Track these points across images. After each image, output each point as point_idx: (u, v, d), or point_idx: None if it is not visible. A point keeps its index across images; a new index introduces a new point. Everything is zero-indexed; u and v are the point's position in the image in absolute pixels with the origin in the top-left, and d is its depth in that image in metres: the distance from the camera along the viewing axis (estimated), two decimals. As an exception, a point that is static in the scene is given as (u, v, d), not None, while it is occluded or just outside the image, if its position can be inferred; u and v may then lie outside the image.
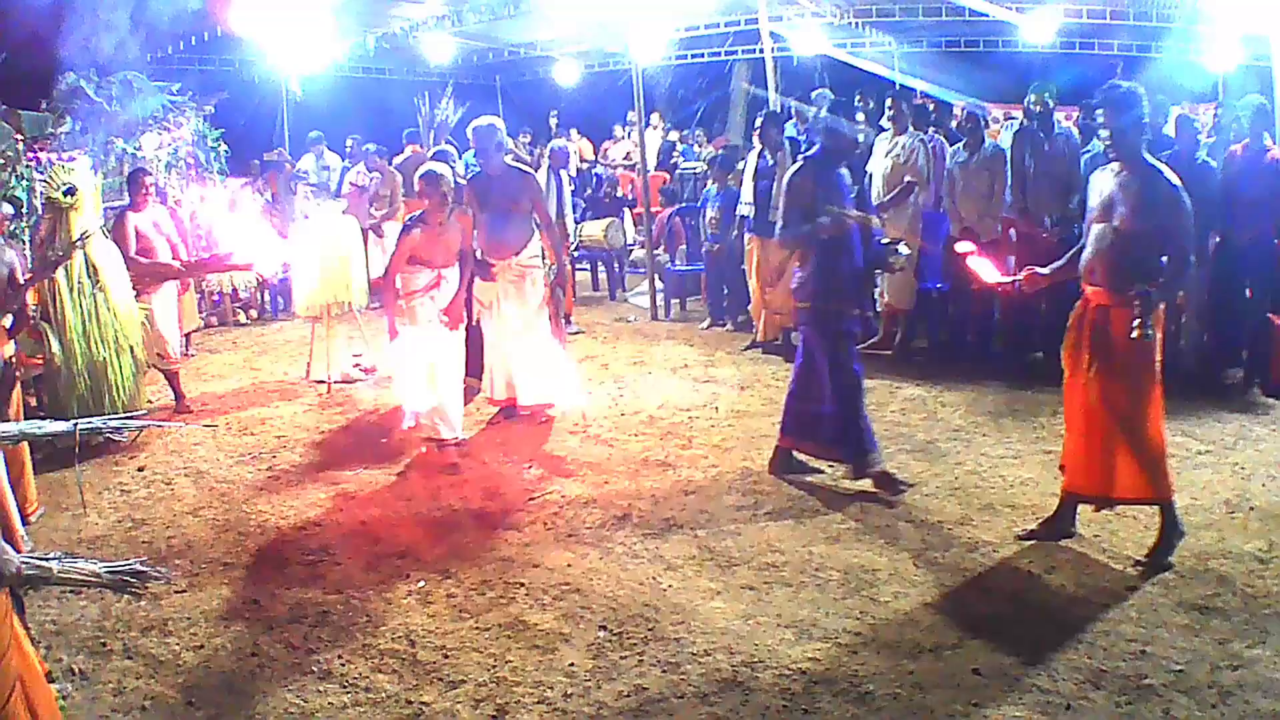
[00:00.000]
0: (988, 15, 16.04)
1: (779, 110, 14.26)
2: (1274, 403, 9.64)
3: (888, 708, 4.86)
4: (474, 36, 18.24)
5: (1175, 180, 6.35)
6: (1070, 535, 6.71)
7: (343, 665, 5.17)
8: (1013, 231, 11.43)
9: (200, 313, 13.25)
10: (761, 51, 15.98)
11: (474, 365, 9.62)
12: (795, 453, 8.12)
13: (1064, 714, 4.85)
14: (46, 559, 3.99)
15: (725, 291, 13.31)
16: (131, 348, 8.83)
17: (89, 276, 8.57)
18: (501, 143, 9.30)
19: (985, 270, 7.28)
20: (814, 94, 15.25)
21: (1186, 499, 7.08)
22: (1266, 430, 8.72)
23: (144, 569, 4.15)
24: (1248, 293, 10.60)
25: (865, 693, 4.97)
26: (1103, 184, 6.59)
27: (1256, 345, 10.53)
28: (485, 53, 19.85)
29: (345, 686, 5.01)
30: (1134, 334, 6.18)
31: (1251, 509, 7.19)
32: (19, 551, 4.17)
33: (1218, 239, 10.12)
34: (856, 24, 18.00)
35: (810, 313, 7.85)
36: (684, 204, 15.47)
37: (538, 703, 4.85)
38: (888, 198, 11.58)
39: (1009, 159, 11.45)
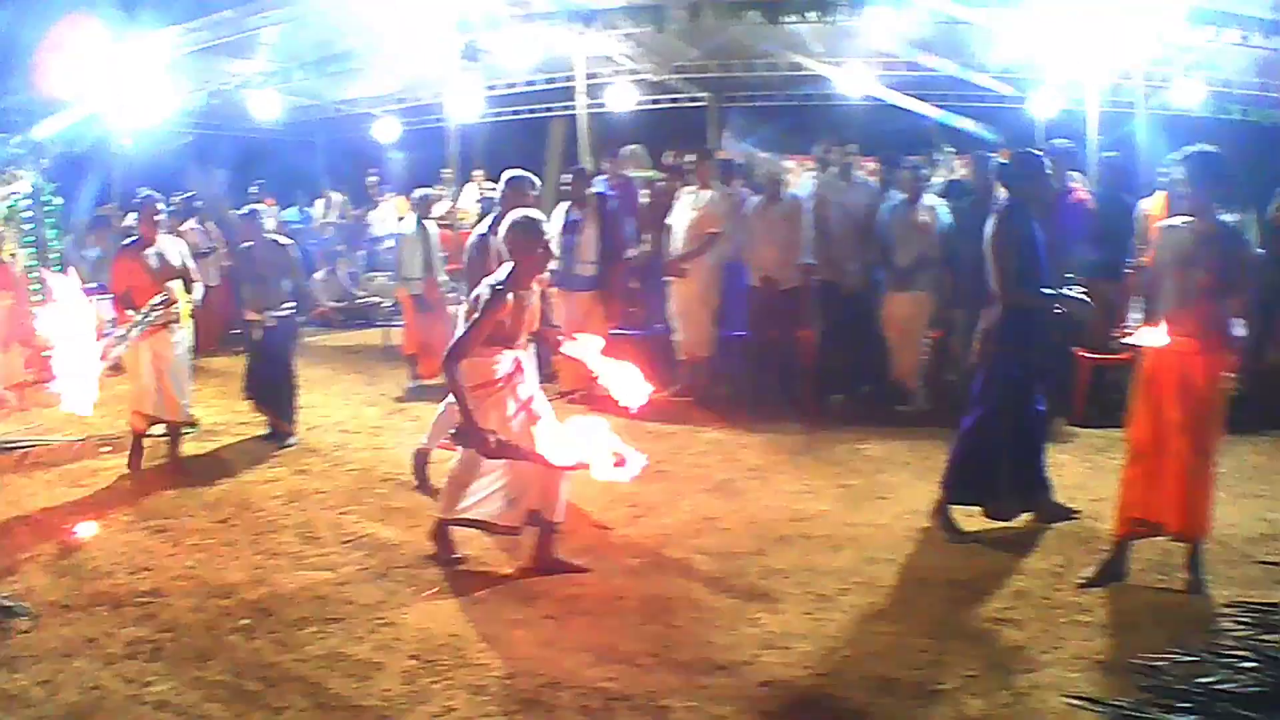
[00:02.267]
0: (802, 69, 16.76)
1: (588, 167, 14.66)
2: (1078, 431, 10.39)
3: (683, 719, 5.25)
4: (299, 93, 18.32)
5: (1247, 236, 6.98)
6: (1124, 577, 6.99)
7: (177, 696, 5.46)
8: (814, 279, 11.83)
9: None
10: (577, 108, 16.34)
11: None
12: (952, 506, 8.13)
13: (851, 718, 5.33)
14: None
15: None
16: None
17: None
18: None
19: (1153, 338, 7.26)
20: (622, 150, 15.75)
21: (982, 522, 7.78)
22: (1066, 457, 9.46)
23: (9, 604, 4.55)
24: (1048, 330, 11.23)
25: (661, 707, 5.36)
26: (1179, 238, 6.92)
27: (1060, 379, 11.17)
28: (309, 109, 19.96)
29: (179, 715, 5.29)
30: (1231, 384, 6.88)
31: (1047, 529, 7.83)
32: None
33: None
34: (672, 80, 18.50)
35: (997, 356, 7.94)
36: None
37: None
38: (689, 250, 12.01)
39: (809, 209, 11.82)
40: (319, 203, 20.66)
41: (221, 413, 11.46)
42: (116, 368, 9.29)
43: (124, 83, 14.13)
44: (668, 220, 12.62)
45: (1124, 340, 7.45)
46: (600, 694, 5.49)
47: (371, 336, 17.38)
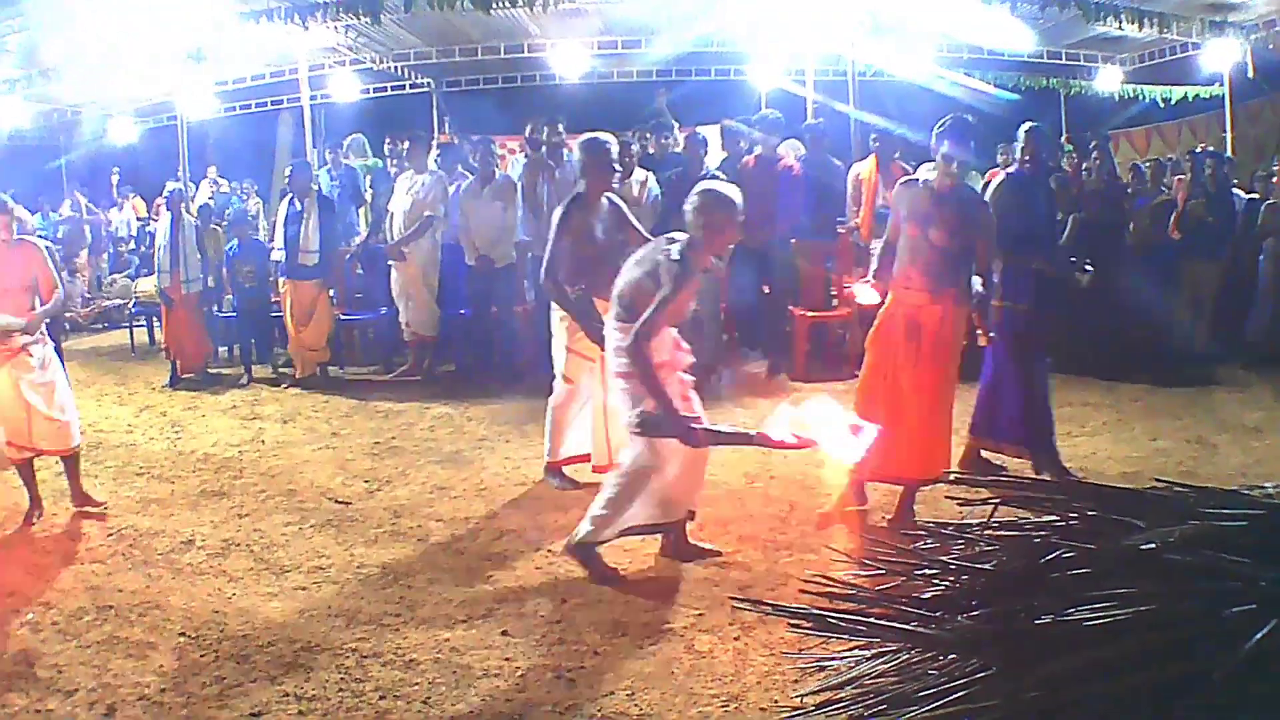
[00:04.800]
0: (522, 51, 17.35)
1: (311, 159, 15.12)
2: (801, 386, 11.06)
3: (430, 670, 5.70)
4: (41, 99, 18.35)
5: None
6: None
7: None
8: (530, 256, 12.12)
9: None
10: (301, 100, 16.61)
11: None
12: (983, 451, 8.84)
13: (590, 659, 5.77)
14: None
15: (253, 342, 13.99)
16: None
17: None
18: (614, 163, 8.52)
19: (867, 294, 7.88)
20: (346, 140, 16.17)
21: (710, 471, 7.67)
22: None
23: None
24: (765, 290, 11.80)
25: (410, 660, 5.81)
26: (914, 196, 7.53)
27: (777, 338, 11.91)
28: (50, 114, 19.86)
29: None
30: (979, 332, 7.58)
31: (772, 479, 8.58)
32: None
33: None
34: (396, 68, 18.84)
35: (1002, 312, 8.52)
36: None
37: (139, 699, 5.53)
38: (408, 233, 12.51)
39: (520, 188, 12.23)
40: (65, 205, 20.55)
41: None
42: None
43: None
44: (388, 206, 13.17)
45: (846, 296, 8.05)
46: (354, 653, 5.94)
47: (118, 337, 17.26)
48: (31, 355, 8.32)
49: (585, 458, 8.72)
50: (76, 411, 8.81)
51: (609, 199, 8.41)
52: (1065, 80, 19.33)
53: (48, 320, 8.55)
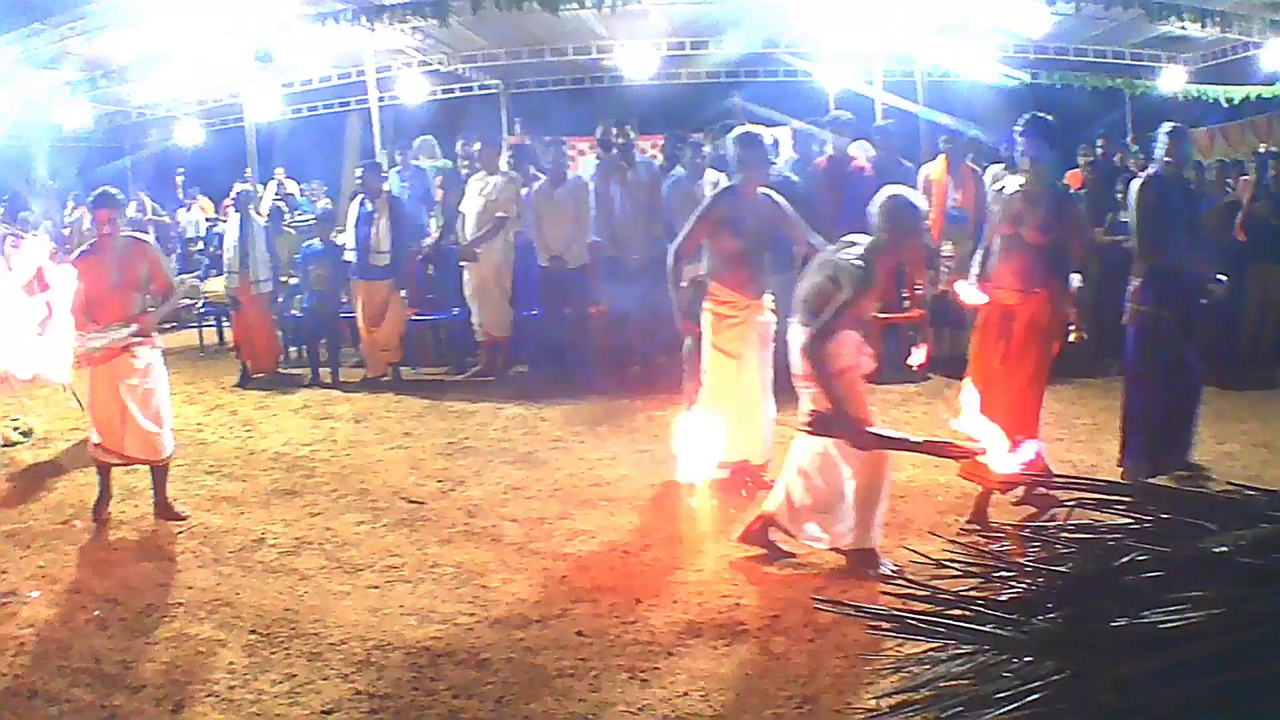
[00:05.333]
0: (589, 53, 17.23)
1: (382, 160, 15.02)
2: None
3: (503, 669, 5.66)
4: (105, 100, 18.35)
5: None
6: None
7: (44, 684, 5.72)
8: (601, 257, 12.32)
9: None
10: (369, 102, 16.61)
11: None
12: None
13: (664, 660, 5.71)
14: None
15: (324, 343, 13.88)
16: None
17: None
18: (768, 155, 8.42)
19: (971, 295, 7.75)
20: (415, 141, 16.20)
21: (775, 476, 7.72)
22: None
23: None
24: None
25: (483, 660, 5.77)
26: (1011, 200, 7.49)
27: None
28: (114, 115, 19.87)
29: (49, 701, 5.55)
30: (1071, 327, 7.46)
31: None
32: None
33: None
34: (463, 69, 18.83)
35: (1144, 317, 8.22)
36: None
37: (207, 696, 5.52)
38: (480, 234, 12.42)
39: (592, 189, 12.26)
40: (130, 206, 20.63)
41: (51, 419, 11.46)
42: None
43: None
44: (460, 207, 13.05)
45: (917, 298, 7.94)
46: (427, 652, 5.90)
47: (186, 337, 17.19)
48: (136, 357, 8.12)
49: (745, 464, 8.45)
50: (172, 421, 8.60)
51: (766, 194, 8.16)
52: (1130, 80, 19.05)
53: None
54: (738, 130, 8.49)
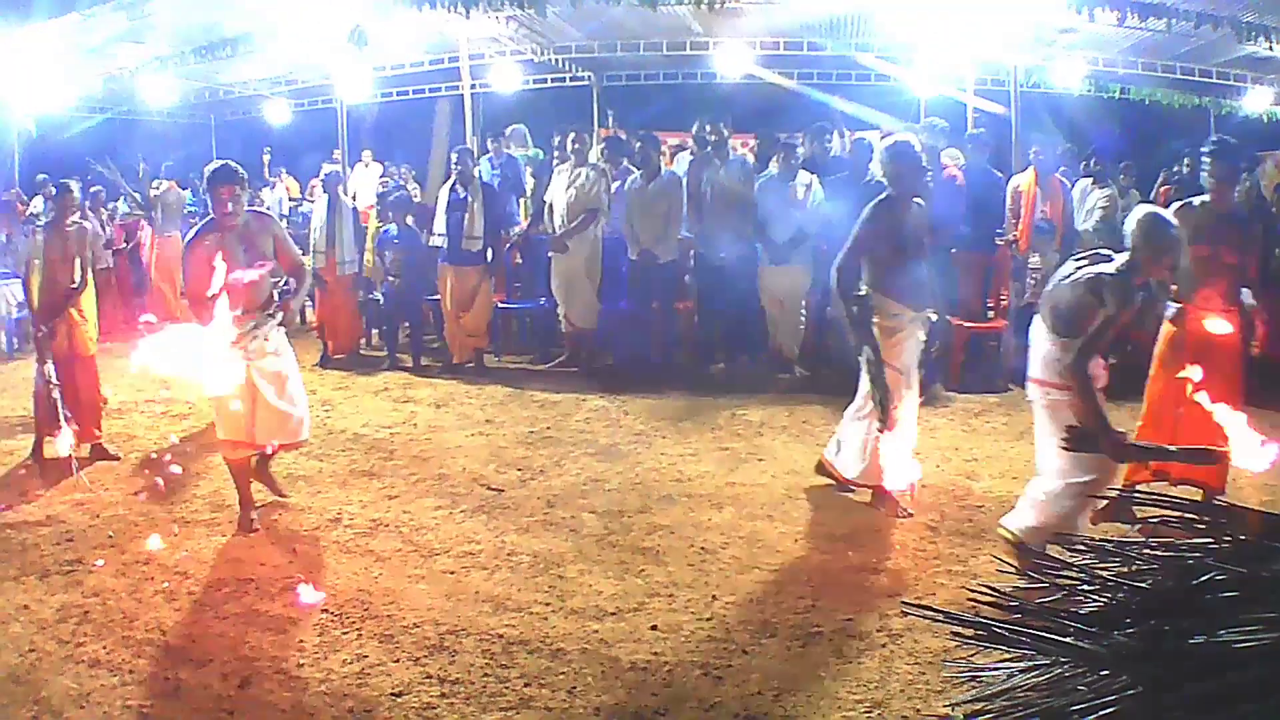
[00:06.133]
0: (683, 49, 17.12)
1: (473, 147, 14.92)
2: (955, 396, 10.77)
3: (577, 660, 5.62)
4: (192, 77, 18.12)
5: None
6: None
7: (108, 654, 5.70)
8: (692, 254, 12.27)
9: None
10: (461, 88, 16.57)
11: None
12: None
13: (738, 658, 5.64)
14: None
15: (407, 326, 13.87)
16: None
17: None
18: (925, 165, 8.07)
19: (1219, 325, 7.47)
20: (508, 129, 16.13)
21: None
22: (943, 420, 9.97)
23: None
24: None
25: (557, 650, 5.73)
26: (1200, 222, 7.39)
27: (935, 346, 11.63)
28: (202, 92, 19.77)
29: (113, 671, 5.53)
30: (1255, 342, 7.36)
31: (924, 486, 8.10)
32: None
33: None
34: (556, 60, 18.59)
35: None
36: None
37: (276, 673, 5.48)
38: (571, 225, 12.33)
39: (684, 184, 12.20)
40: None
41: (129, 391, 11.49)
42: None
43: (21, 70, 14.23)
44: (545, 197, 13.04)
45: (1168, 320, 7.71)
46: (500, 639, 5.85)
47: None
48: (267, 340, 7.63)
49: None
50: (307, 404, 8.21)
51: (918, 203, 7.92)
52: (1216, 99, 18.67)
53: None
54: (891, 139, 8.09)
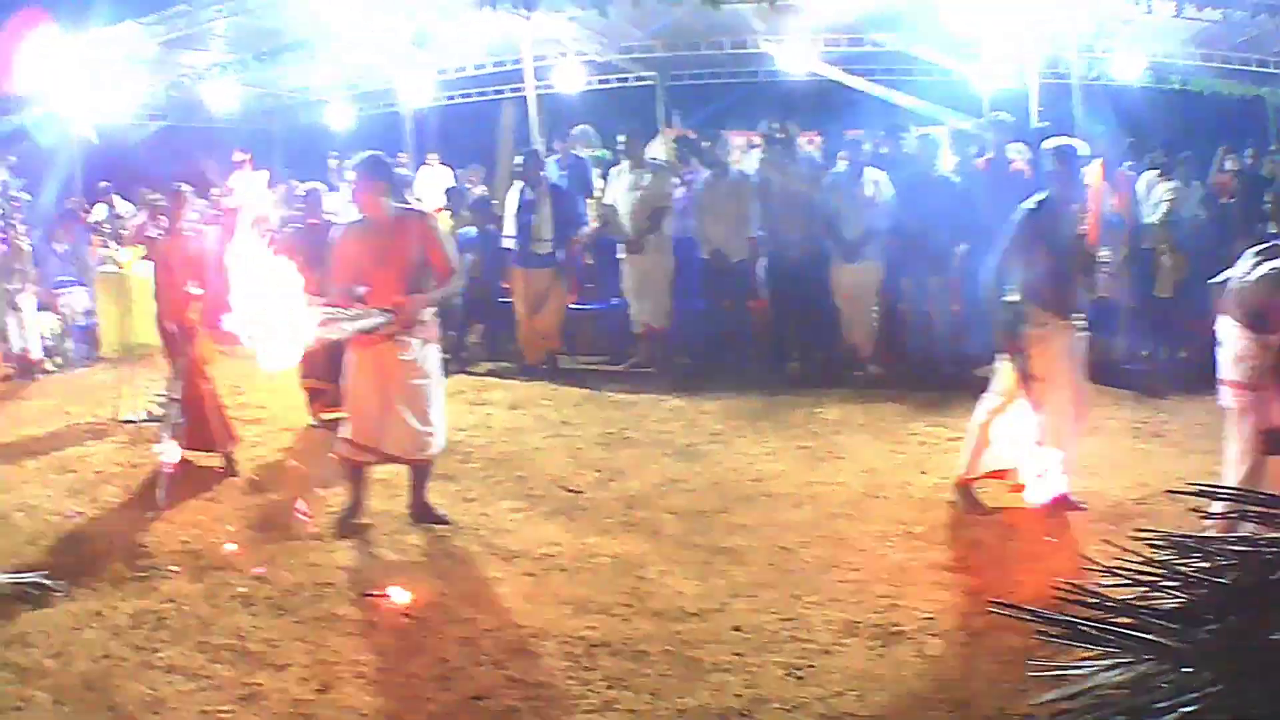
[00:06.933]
0: (746, 47, 17.03)
1: (540, 148, 14.73)
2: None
3: (660, 661, 5.58)
4: (253, 83, 18.33)
5: None
6: None
7: (184, 659, 5.68)
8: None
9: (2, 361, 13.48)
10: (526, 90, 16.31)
11: None
12: None
13: (821, 658, 5.58)
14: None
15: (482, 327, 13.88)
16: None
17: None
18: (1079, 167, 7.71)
19: None
20: (574, 130, 16.08)
21: (937, 478, 8.24)
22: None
23: (44, 580, 4.77)
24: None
25: (639, 651, 5.68)
26: None
27: None
28: (263, 98, 19.89)
29: (188, 676, 5.51)
30: None
31: (1001, 483, 7.81)
32: None
33: (964, 247, 10.72)
34: (619, 60, 18.61)
35: None
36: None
37: (356, 677, 5.47)
38: (642, 225, 12.33)
39: (754, 183, 12.13)
40: (280, 189, 20.74)
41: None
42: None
43: (83, 77, 14.26)
44: (606, 199, 13.06)
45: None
46: (583, 642, 5.80)
47: None
48: (407, 350, 7.29)
49: (1002, 474, 7.78)
50: (444, 419, 7.82)
51: (1075, 209, 7.65)
52: (1274, 89, 18.34)
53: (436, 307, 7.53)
54: (1054, 142, 7.81)
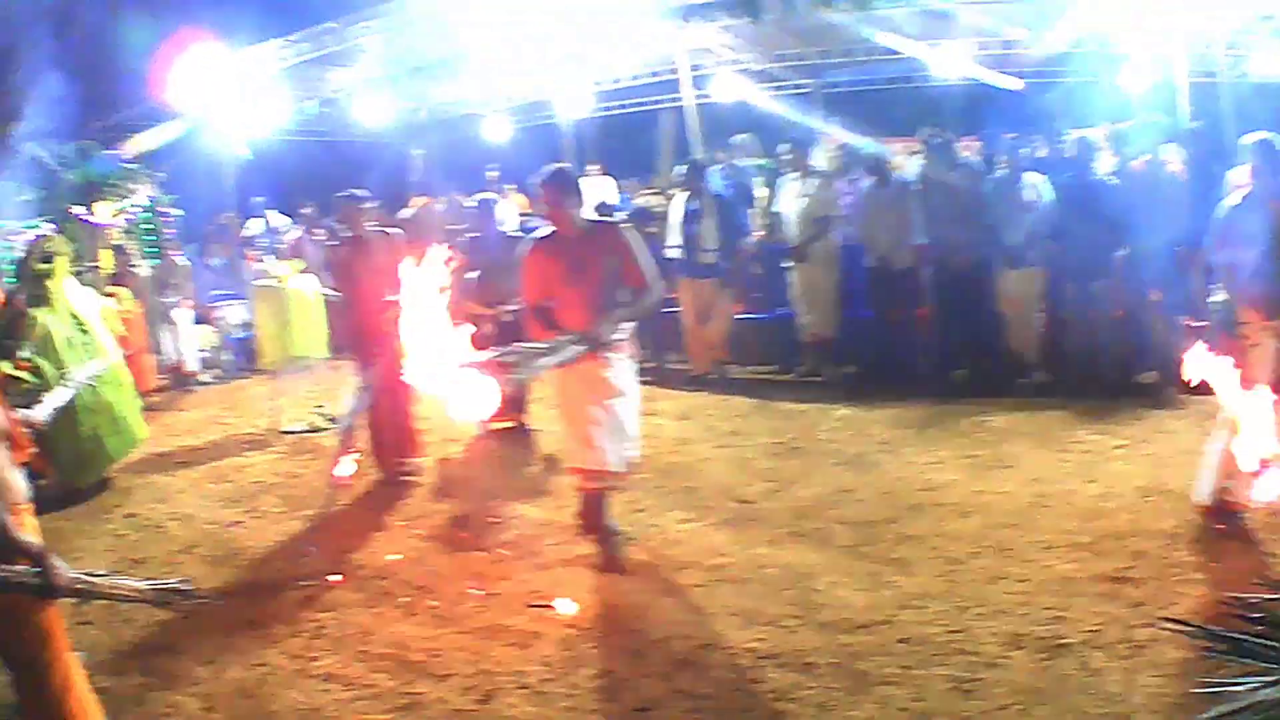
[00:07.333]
0: (899, 53, 16.76)
1: (700, 158, 14.63)
2: (1188, 398, 10.05)
3: (828, 674, 5.50)
4: (405, 98, 18.43)
5: None
6: None
7: (342, 668, 5.72)
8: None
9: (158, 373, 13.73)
10: (683, 100, 16.29)
11: None
12: None
13: (987, 671, 5.46)
14: (95, 575, 4.52)
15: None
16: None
17: (78, 329, 8.80)
18: None
19: None
20: (734, 139, 15.95)
21: (1103, 487, 8.05)
22: (1181, 424, 9.45)
23: (185, 587, 4.68)
24: (1156, 299, 11.03)
25: (807, 664, 5.61)
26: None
27: (1169, 348, 11.15)
28: (417, 113, 20.01)
29: (346, 686, 5.55)
30: None
31: (1165, 492, 7.83)
32: None
33: (1124, 251, 10.58)
34: (774, 68, 18.45)
35: None
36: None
37: (519, 688, 5.43)
38: (807, 234, 12.25)
39: (916, 191, 11.94)
40: (441, 202, 20.88)
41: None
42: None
43: (234, 94, 14.42)
44: (775, 208, 12.99)
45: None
46: (750, 654, 5.73)
47: None
48: (608, 366, 6.95)
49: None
50: (637, 434, 7.32)
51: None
52: None
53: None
54: (1256, 136, 7.30)
